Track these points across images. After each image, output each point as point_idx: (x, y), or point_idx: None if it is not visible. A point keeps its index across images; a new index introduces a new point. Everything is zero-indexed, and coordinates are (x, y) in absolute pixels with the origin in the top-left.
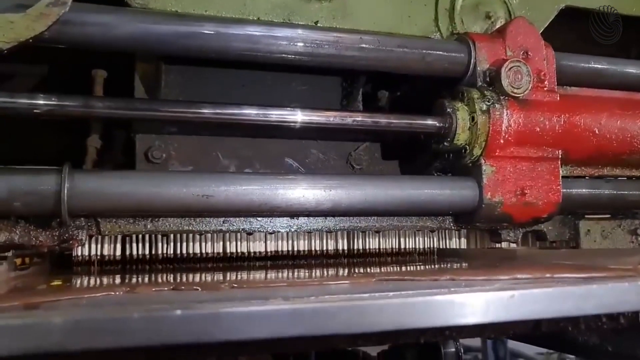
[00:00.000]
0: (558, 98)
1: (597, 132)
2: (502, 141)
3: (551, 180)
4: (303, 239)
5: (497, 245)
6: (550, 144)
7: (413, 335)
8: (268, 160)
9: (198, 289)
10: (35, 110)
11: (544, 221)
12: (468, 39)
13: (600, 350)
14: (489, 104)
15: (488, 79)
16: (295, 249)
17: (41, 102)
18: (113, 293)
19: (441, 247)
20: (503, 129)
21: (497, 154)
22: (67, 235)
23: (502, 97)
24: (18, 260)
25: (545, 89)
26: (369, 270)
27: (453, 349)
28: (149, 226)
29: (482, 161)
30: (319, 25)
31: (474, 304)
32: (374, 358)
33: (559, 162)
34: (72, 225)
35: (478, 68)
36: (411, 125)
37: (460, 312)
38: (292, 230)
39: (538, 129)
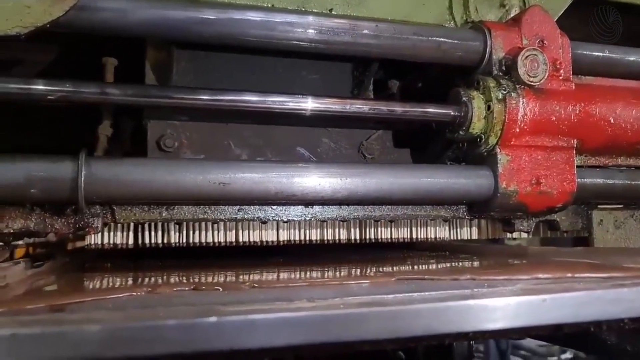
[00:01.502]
0: (573, 87)
1: (612, 121)
2: (517, 130)
3: (566, 169)
4: (317, 227)
5: (510, 235)
6: (566, 133)
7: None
8: (280, 149)
9: (219, 289)
10: (49, 97)
11: (559, 210)
12: (484, 27)
13: (618, 349)
14: (505, 92)
15: (504, 68)
16: (309, 237)
17: (56, 87)
18: (135, 294)
19: (453, 237)
20: (519, 117)
21: (512, 143)
22: (82, 222)
23: (518, 86)
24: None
25: (560, 78)
26: (384, 268)
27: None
28: (164, 214)
29: (498, 150)
30: (333, 12)
31: (507, 309)
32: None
33: (574, 152)
34: (87, 213)
35: (494, 56)
36: (426, 114)
37: (493, 317)
38: (307, 219)
39: (554, 118)
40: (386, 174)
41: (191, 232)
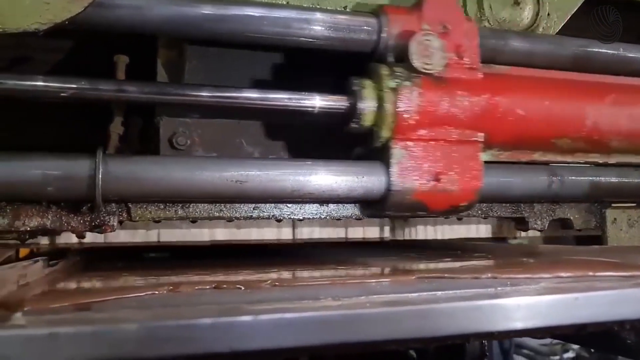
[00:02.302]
0: (481, 76)
1: (524, 114)
2: (412, 122)
3: (471, 165)
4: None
5: (522, 233)
6: (470, 125)
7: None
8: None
9: (241, 288)
10: (62, 94)
11: (464, 210)
12: (380, 12)
13: (637, 348)
14: (397, 81)
15: (400, 55)
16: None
17: (71, 85)
18: (157, 292)
19: (469, 236)
20: (414, 108)
21: (408, 136)
22: (98, 220)
23: (413, 75)
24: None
25: (465, 66)
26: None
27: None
28: (179, 212)
29: (392, 144)
30: (347, 10)
31: (538, 307)
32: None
33: (480, 146)
34: (103, 211)
35: (390, 43)
36: (315, 106)
37: (523, 316)
38: (322, 217)
39: (455, 110)
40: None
41: (207, 230)
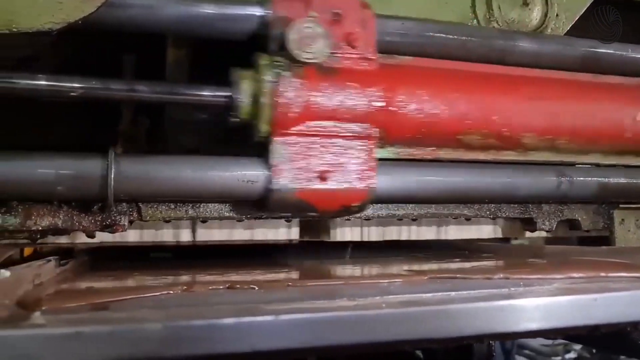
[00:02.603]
0: (376, 67)
1: (424, 108)
2: (294, 115)
3: (362, 163)
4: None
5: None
6: (362, 120)
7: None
8: None
9: (255, 288)
10: (71, 93)
11: (357, 211)
12: None
13: None
14: (277, 71)
15: (281, 44)
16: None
17: (81, 84)
18: (172, 292)
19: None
20: (295, 101)
21: (290, 130)
22: (109, 220)
23: (295, 65)
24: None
25: (358, 56)
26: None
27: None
28: (190, 212)
29: (272, 139)
30: None
31: (556, 308)
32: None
33: (374, 142)
34: (114, 210)
35: (273, 31)
36: (200, 97)
37: (540, 316)
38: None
39: (345, 102)
40: None
41: (216, 230)
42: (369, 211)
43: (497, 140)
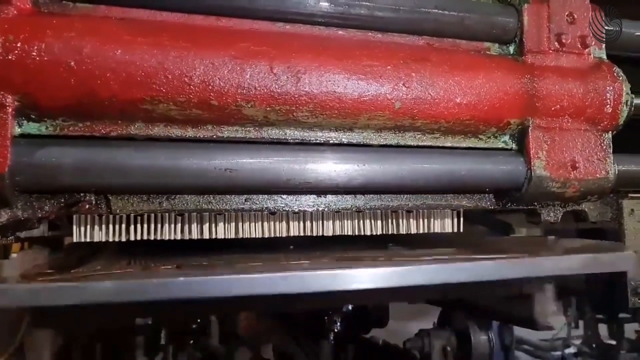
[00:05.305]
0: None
1: (78, 66)
2: None
3: None
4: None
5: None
6: None
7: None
8: None
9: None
10: None
11: None
12: None
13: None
14: None
15: None
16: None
17: None
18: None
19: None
20: None
21: None
22: (73, 199)
23: None
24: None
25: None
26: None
27: (485, 337)
28: (164, 204)
29: None
30: None
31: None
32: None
33: (11, 113)
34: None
35: None
36: None
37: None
38: (320, 209)
39: None
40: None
41: (194, 225)
42: (361, 201)
43: (196, 109)
